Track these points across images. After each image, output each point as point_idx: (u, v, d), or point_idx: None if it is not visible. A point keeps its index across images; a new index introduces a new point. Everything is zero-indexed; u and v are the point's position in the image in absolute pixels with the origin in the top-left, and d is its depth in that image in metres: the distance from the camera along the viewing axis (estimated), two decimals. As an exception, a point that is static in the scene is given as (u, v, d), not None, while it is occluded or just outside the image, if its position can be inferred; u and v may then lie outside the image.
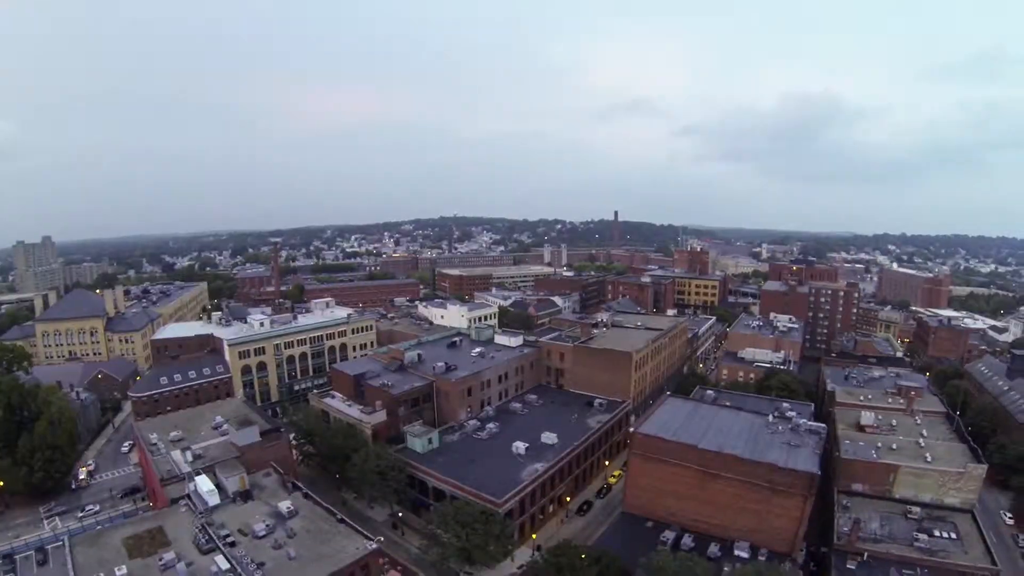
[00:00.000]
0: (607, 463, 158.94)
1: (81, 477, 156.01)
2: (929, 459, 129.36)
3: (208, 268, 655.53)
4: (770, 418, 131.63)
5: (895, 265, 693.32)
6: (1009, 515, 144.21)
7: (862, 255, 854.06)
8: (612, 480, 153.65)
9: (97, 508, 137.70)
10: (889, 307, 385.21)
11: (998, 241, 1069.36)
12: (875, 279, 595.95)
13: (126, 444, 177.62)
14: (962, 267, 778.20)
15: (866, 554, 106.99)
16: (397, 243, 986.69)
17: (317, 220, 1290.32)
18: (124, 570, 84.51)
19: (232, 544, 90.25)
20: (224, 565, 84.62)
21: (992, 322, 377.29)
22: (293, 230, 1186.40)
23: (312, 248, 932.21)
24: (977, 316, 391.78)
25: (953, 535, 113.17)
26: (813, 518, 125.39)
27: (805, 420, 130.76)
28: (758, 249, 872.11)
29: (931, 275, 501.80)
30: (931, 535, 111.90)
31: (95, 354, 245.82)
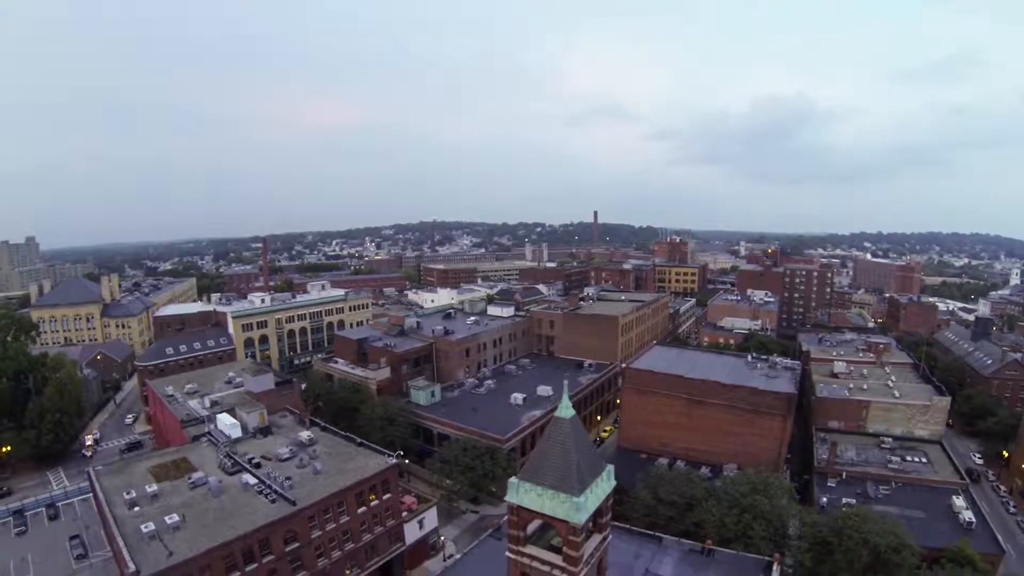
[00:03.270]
0: (599, 419, 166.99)
1: (88, 443, 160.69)
2: (898, 395, 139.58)
3: (192, 271, 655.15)
4: (748, 358, 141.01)
5: (869, 256, 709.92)
6: (978, 455, 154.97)
7: (838, 251, 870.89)
8: (604, 435, 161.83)
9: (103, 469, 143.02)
10: (862, 290, 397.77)
11: (972, 238, 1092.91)
12: (850, 272, 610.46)
13: (129, 416, 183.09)
14: (936, 261, 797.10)
15: (844, 474, 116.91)
16: (379, 247, 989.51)
17: (297, 226, 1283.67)
18: (155, 487, 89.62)
19: (258, 465, 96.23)
20: (252, 481, 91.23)
21: (962, 304, 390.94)
22: (273, 236, 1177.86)
23: (294, 252, 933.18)
24: (948, 301, 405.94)
25: (924, 459, 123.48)
26: (796, 454, 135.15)
27: (781, 359, 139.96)
28: (736, 247, 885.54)
29: (903, 263, 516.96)
30: (904, 460, 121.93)
31: (91, 340, 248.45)
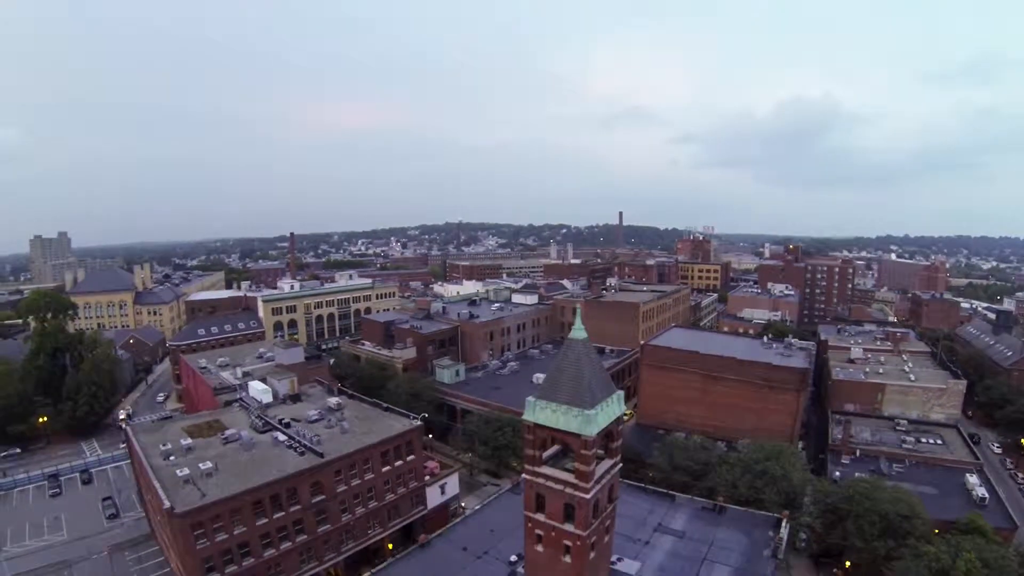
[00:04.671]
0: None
1: (121, 417, 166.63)
2: (913, 379, 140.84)
3: (219, 267, 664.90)
4: (764, 339, 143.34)
5: (893, 256, 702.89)
6: (997, 445, 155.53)
7: (864, 253, 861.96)
8: (625, 418, 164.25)
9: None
10: (885, 288, 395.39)
11: (1001, 241, 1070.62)
12: (875, 274, 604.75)
13: (161, 394, 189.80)
14: (963, 264, 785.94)
15: (858, 451, 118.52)
16: (404, 247, 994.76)
17: (323, 227, 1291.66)
18: (189, 441, 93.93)
19: (287, 425, 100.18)
20: (282, 437, 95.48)
21: (987, 304, 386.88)
22: (299, 235, 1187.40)
23: (320, 251, 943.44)
24: (973, 301, 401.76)
25: (939, 441, 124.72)
26: (812, 437, 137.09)
27: (796, 341, 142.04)
28: (761, 249, 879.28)
29: (928, 263, 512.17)
30: (919, 441, 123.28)
31: (123, 326, 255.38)
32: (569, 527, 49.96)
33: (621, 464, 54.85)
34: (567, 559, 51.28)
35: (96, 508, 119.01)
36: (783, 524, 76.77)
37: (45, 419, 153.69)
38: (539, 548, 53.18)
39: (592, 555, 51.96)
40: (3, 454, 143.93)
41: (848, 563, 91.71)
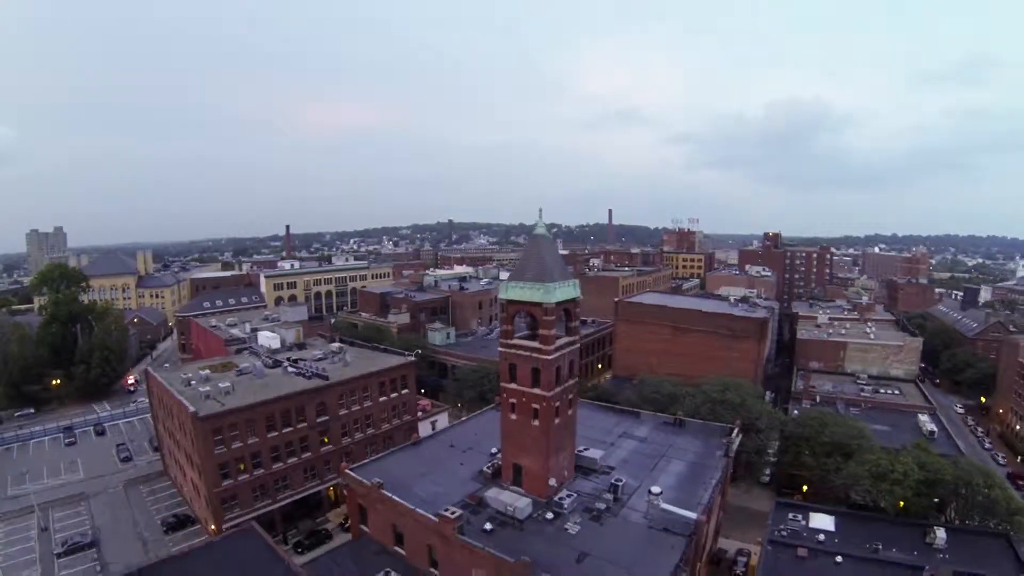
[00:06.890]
0: (599, 367, 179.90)
1: (131, 381, 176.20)
2: (873, 338, 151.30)
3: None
4: (731, 300, 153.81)
5: (877, 250, 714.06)
6: (960, 406, 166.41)
7: (851, 251, 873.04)
8: (604, 381, 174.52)
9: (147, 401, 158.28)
10: (865, 276, 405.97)
11: (988, 240, 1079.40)
12: (861, 268, 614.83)
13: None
14: (949, 260, 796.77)
15: (818, 397, 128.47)
16: (396, 245, 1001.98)
17: (314, 227, 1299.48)
18: (207, 372, 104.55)
19: (295, 362, 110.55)
20: (292, 370, 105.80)
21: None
22: (292, 235, 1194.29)
23: (313, 249, 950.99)
24: (953, 291, 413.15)
25: (897, 392, 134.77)
26: (780, 394, 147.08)
27: (761, 300, 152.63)
28: (749, 246, 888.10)
29: (910, 255, 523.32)
30: (877, 391, 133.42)
31: (126, 309, 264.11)
32: (537, 390, 60.41)
33: (579, 345, 65.38)
34: (536, 423, 61.70)
35: (110, 453, 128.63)
36: (735, 431, 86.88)
37: (58, 381, 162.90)
38: (513, 416, 63.67)
39: (557, 421, 62.37)
40: (18, 413, 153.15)
41: (805, 488, 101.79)
